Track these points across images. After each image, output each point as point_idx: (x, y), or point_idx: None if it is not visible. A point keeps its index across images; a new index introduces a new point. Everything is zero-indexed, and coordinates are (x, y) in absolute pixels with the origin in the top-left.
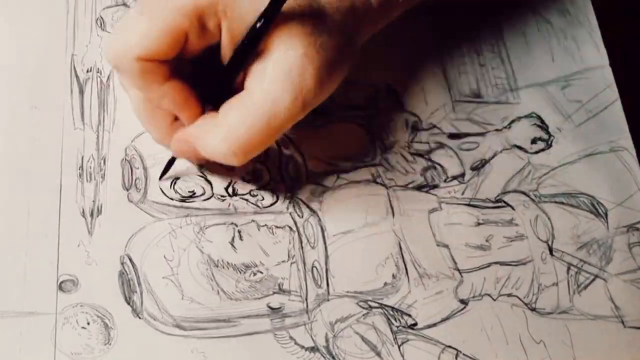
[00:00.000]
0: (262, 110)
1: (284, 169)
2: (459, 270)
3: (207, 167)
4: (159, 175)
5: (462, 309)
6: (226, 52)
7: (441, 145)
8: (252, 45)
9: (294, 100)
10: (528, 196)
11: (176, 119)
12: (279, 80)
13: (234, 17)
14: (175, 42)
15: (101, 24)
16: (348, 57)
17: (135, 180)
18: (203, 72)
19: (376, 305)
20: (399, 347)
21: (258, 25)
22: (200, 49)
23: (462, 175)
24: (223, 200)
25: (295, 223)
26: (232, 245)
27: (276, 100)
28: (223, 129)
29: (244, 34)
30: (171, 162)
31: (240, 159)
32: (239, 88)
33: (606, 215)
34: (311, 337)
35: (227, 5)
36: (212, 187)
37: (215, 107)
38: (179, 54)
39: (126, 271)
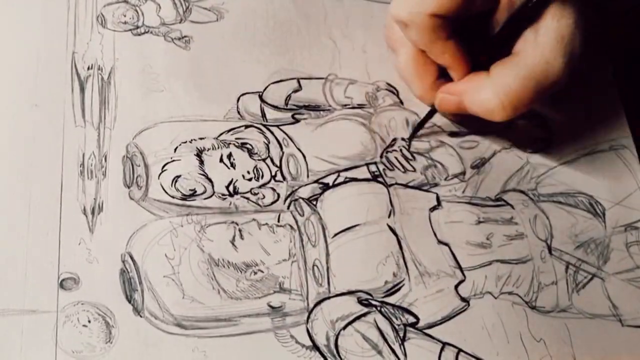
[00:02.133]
0: (535, 71)
1: (285, 167)
2: (460, 268)
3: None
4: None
5: (463, 307)
6: (500, 17)
7: (441, 144)
8: (528, 12)
9: (566, 64)
10: (527, 195)
11: (439, 77)
12: (553, 45)
13: None
14: (466, 1)
15: (102, 21)
16: (598, 25)
17: (137, 178)
18: (472, 37)
19: (377, 303)
20: (400, 345)
21: None
22: (479, 12)
23: (463, 173)
24: (224, 199)
25: (296, 222)
26: (233, 244)
27: (549, 63)
28: (496, 84)
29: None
30: (430, 115)
31: (507, 112)
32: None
33: (604, 214)
34: (312, 335)
35: None
36: (213, 186)
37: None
38: (464, 13)
39: (127, 269)
